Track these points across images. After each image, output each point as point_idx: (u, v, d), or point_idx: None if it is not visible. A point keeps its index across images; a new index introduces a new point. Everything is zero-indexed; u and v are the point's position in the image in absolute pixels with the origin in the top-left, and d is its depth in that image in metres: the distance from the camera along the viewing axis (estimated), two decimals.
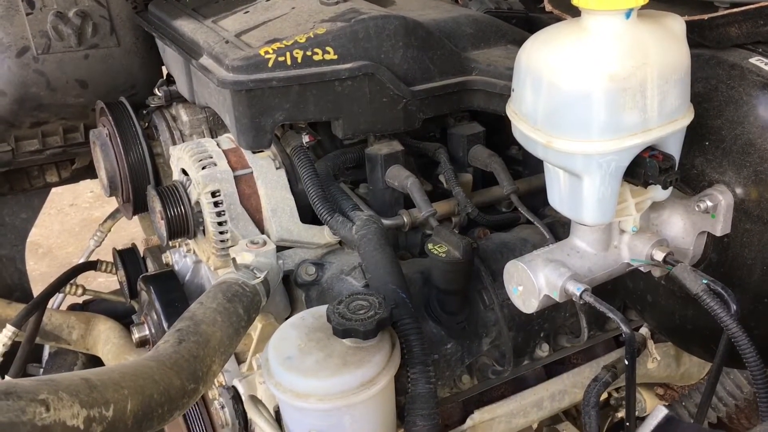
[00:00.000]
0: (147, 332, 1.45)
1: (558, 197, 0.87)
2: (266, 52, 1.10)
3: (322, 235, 1.25)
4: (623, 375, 1.06)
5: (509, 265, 0.91)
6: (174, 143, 1.47)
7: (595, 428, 1.03)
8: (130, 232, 4.34)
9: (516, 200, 1.27)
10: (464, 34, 1.26)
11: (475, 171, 1.37)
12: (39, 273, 4.17)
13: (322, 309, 1.03)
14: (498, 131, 1.45)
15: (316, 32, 1.12)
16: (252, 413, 1.03)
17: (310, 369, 0.92)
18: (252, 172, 1.23)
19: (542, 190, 1.41)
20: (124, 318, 2.02)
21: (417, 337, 1.02)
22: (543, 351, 1.30)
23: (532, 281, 0.86)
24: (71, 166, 1.88)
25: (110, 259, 2.01)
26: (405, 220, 1.25)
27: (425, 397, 1.01)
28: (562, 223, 1.31)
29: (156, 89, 1.46)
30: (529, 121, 0.84)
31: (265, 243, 1.14)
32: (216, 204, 1.20)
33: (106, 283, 3.58)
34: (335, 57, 1.13)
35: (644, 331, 1.22)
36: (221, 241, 1.21)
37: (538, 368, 1.36)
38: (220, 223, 1.20)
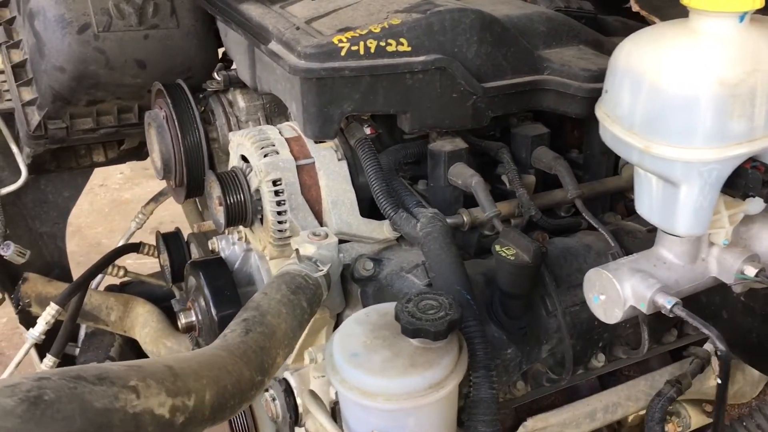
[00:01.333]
0: (194, 318, 1.43)
1: (648, 205, 0.84)
2: (339, 41, 1.07)
3: (381, 230, 1.22)
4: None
5: (591, 273, 0.88)
6: (230, 129, 1.46)
7: None
8: (158, 216, 4.36)
9: (580, 205, 1.24)
10: (537, 32, 1.23)
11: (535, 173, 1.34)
12: (69, 251, 4.20)
13: (388, 306, 1.00)
14: (558, 134, 1.42)
15: (391, 22, 1.09)
16: (312, 408, 1.01)
17: (378, 368, 0.90)
18: (314, 163, 1.21)
19: (603, 196, 1.40)
20: (161, 301, 2.01)
21: (481, 340, 1.00)
22: (599, 361, 1.27)
23: (618, 291, 0.83)
24: (118, 146, 1.87)
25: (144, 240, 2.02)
26: (465, 219, 1.22)
27: (488, 402, 0.99)
28: (626, 231, 1.27)
29: (215, 73, 1.44)
30: (624, 124, 0.81)
31: (327, 235, 1.12)
32: (277, 193, 1.17)
33: (134, 265, 3.58)
34: (409, 49, 1.10)
35: (709, 347, 1.18)
36: (279, 230, 1.19)
37: (591, 378, 1.33)
38: (279, 213, 1.18)
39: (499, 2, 1.30)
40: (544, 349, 1.17)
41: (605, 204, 1.41)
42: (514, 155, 1.31)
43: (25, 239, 1.96)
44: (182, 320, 1.44)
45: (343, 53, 1.07)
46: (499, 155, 1.30)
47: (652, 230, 1.02)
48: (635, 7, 1.14)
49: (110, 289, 2.09)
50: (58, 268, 2.06)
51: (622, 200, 1.44)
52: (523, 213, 1.24)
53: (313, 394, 1.05)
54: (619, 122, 0.81)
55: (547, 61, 1.20)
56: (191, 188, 1.44)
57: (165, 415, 0.61)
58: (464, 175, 1.21)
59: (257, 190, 1.20)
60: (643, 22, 1.48)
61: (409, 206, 1.16)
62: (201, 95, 1.47)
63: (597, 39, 1.32)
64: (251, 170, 1.22)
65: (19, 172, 1.69)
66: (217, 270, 1.43)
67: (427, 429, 0.93)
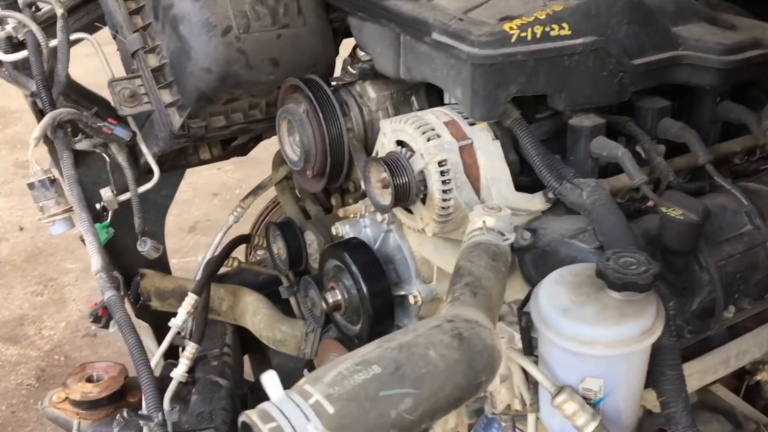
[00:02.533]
0: (339, 297, 1.53)
1: None
2: (510, 28, 1.17)
3: (534, 202, 1.33)
4: None
5: None
6: (363, 119, 1.55)
7: None
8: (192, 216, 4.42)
9: (712, 169, 1.35)
10: (667, 12, 1.33)
11: None
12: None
13: (578, 267, 1.11)
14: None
15: (554, 9, 1.19)
16: (522, 362, 1.10)
17: (594, 319, 1.00)
18: (472, 143, 1.30)
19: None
20: (263, 288, 2.10)
21: (660, 294, 1.10)
22: (729, 312, 1.38)
23: None
24: (221, 144, 1.96)
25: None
26: (605, 187, 1.33)
27: (670, 349, 1.09)
28: (749, 191, 1.38)
29: (348, 66, 1.52)
30: None
31: (500, 209, 1.22)
32: (442, 173, 1.27)
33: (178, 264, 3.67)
34: (569, 32, 1.20)
35: None
36: (444, 208, 1.29)
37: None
38: (445, 191, 1.28)
39: None
40: (695, 301, 1.28)
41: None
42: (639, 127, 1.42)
43: (131, 238, 2.04)
44: (330, 299, 1.54)
45: (513, 40, 1.17)
46: (627, 128, 1.40)
47: None
48: None
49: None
50: (159, 265, 2.14)
51: (726, 165, 1.56)
52: (661, 179, 1.34)
53: (513, 350, 1.15)
54: None
55: (680, 37, 1.31)
56: (332, 176, 1.53)
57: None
58: (609, 147, 1.31)
59: (421, 172, 1.29)
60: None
61: (568, 177, 1.27)
62: (331, 88, 1.55)
63: (711, 15, 1.42)
64: (411, 154, 1.31)
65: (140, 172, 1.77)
66: (362, 250, 1.52)
67: (634, 373, 1.04)
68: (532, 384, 1.17)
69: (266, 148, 2.07)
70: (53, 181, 1.40)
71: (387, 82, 1.55)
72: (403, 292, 1.51)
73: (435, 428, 1.71)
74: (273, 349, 2.20)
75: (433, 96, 1.59)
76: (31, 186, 1.40)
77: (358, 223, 1.61)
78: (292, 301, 2.08)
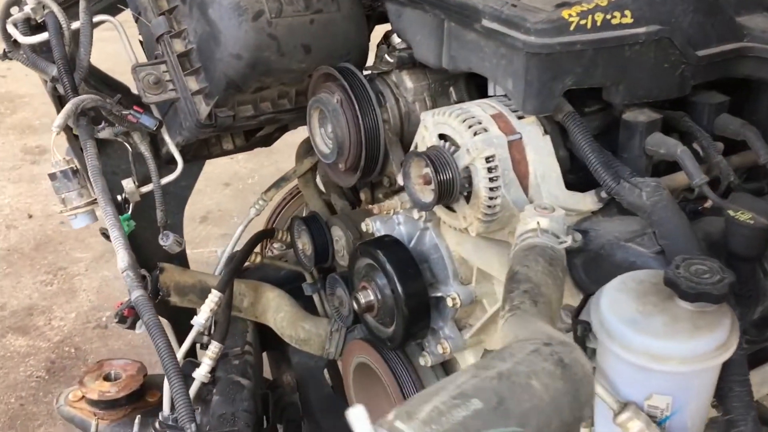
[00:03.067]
0: (372, 298, 1.46)
1: None
2: (569, 15, 1.09)
3: (585, 202, 1.25)
4: None
5: None
6: (399, 111, 1.47)
7: None
8: (204, 206, 4.35)
9: None
10: (731, 1, 1.25)
11: None
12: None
13: (641, 274, 1.03)
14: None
15: None
16: None
17: (664, 332, 0.92)
18: (521, 138, 1.22)
19: None
20: (284, 285, 2.03)
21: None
22: None
23: None
24: (245, 135, 1.88)
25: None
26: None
27: (739, 363, 1.02)
28: None
29: (385, 55, 1.44)
30: None
31: (554, 209, 1.14)
32: (490, 170, 1.19)
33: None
34: (631, 20, 1.12)
35: None
36: (490, 207, 1.21)
37: None
38: (492, 189, 1.20)
39: None
40: (757, 311, 1.21)
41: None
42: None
43: (150, 231, 1.96)
44: (362, 300, 1.46)
45: (572, 27, 1.09)
46: (682, 124, 1.32)
47: None
48: None
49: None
50: (178, 259, 2.06)
51: None
52: (721, 179, 1.26)
53: None
54: None
55: (745, 28, 1.22)
56: (366, 170, 1.45)
57: None
58: (667, 144, 1.23)
59: (466, 168, 1.22)
60: None
61: (625, 176, 1.19)
62: (366, 77, 1.47)
63: None
64: (455, 149, 1.23)
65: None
66: (397, 248, 1.45)
67: (704, 389, 0.96)
68: None
69: (282, 138, 1.99)
70: (76, 172, 1.33)
71: (425, 71, 1.48)
72: (439, 294, 1.43)
73: None
74: (294, 347, 2.14)
75: (472, 87, 1.52)
76: (52, 176, 1.33)
77: (391, 219, 1.54)
78: (316, 298, 2.01)
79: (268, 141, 1.90)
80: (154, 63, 1.47)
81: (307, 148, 1.97)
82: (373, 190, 1.71)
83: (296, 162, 1.99)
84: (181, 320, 1.96)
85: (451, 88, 1.51)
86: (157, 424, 1.03)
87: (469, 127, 1.21)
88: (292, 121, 1.69)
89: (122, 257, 1.17)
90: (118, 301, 1.49)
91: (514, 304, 0.92)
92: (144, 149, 1.50)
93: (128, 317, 1.47)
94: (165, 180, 1.54)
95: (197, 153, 1.82)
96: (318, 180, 2.02)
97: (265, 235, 1.98)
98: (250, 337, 1.94)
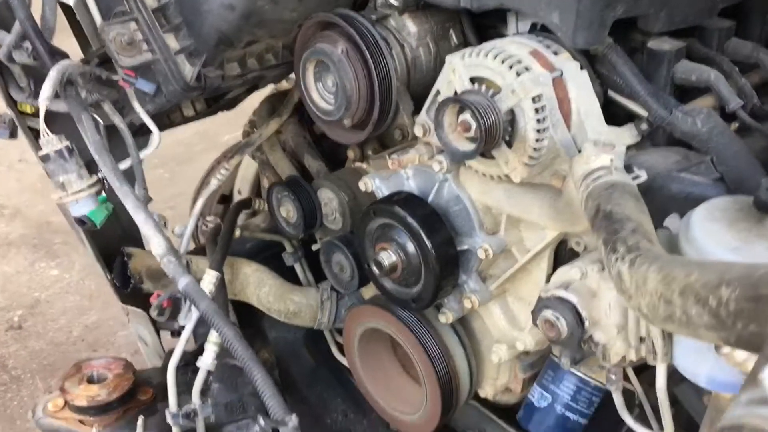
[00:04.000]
0: (395, 258, 1.37)
1: None
2: None
3: (625, 136, 1.22)
4: None
5: None
6: (405, 58, 1.37)
7: None
8: None
9: None
10: None
11: None
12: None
13: (722, 201, 1.02)
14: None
15: None
16: None
17: None
18: (562, 75, 1.17)
19: None
20: (255, 256, 1.91)
21: None
22: None
23: None
24: (205, 100, 1.72)
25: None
26: None
27: None
28: None
29: None
30: None
31: (614, 145, 1.10)
32: (537, 110, 1.13)
33: None
34: None
35: None
36: (536, 150, 1.16)
37: None
38: (540, 131, 1.14)
39: None
40: None
41: None
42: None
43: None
44: (385, 262, 1.38)
45: None
46: (699, 51, 1.31)
47: None
48: None
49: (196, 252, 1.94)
50: (133, 242, 1.88)
51: None
52: (746, 101, 1.27)
53: None
54: None
55: None
56: (379, 123, 1.35)
57: None
58: (699, 71, 1.22)
59: (509, 111, 1.15)
60: None
61: (671, 106, 1.16)
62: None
63: None
64: (494, 91, 1.16)
65: None
66: (417, 203, 1.37)
67: None
68: (667, 332, 1.08)
69: None
70: (71, 151, 1.14)
71: (426, 14, 1.38)
72: (466, 246, 1.37)
73: (485, 386, 1.62)
74: (269, 322, 2.02)
75: (472, 28, 1.44)
76: (45, 158, 1.13)
77: (397, 175, 1.45)
78: (298, 267, 1.89)
79: (232, 104, 1.74)
80: (123, 20, 1.28)
81: (270, 109, 1.83)
82: (362, 147, 1.60)
83: (258, 124, 1.85)
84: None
85: (451, 30, 1.43)
86: (261, 421, 0.91)
87: (511, 67, 1.14)
88: (276, 78, 1.55)
89: (158, 243, 1.01)
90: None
91: (630, 244, 0.87)
92: (118, 121, 1.32)
93: (167, 308, 1.30)
94: (143, 153, 1.36)
95: (156, 122, 1.64)
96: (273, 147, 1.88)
97: (242, 207, 1.83)
98: (233, 317, 1.80)
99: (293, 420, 0.90)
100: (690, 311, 0.69)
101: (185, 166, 4.38)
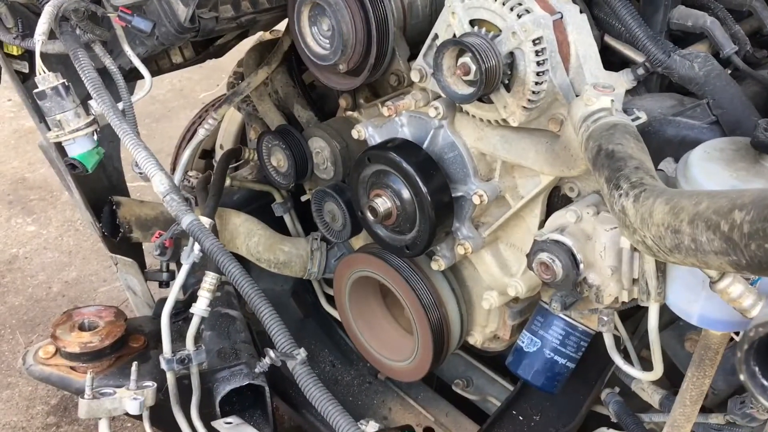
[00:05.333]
0: (390, 204, 1.38)
1: None
2: None
3: (621, 81, 1.23)
4: None
5: None
6: (402, 1, 1.36)
7: None
8: None
9: None
10: None
11: None
12: None
13: (719, 142, 1.04)
14: None
15: None
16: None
17: None
18: (562, 17, 1.17)
19: None
20: (243, 207, 1.90)
21: None
22: None
23: None
24: (193, 46, 1.69)
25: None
26: None
27: None
28: None
29: None
30: None
31: (613, 88, 1.10)
32: (537, 53, 1.14)
33: None
34: None
35: None
36: (534, 93, 1.16)
37: None
38: (539, 74, 1.15)
39: None
40: None
41: None
42: None
43: None
44: (380, 208, 1.38)
45: None
46: None
47: None
48: None
49: None
50: (118, 191, 1.86)
51: None
52: (740, 47, 1.29)
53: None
54: None
55: None
56: (375, 68, 1.34)
57: None
58: (695, 16, 1.23)
59: (509, 54, 1.15)
60: None
61: (669, 50, 1.17)
62: None
63: None
64: (494, 34, 1.16)
65: None
66: (412, 149, 1.37)
67: None
68: (661, 272, 1.11)
69: None
70: (68, 88, 1.12)
71: None
72: (460, 193, 1.38)
73: (474, 333, 1.64)
74: (255, 273, 2.02)
75: None
76: (41, 95, 1.10)
77: (391, 122, 1.45)
78: (287, 218, 1.89)
79: (221, 51, 1.72)
80: None
81: (258, 58, 1.81)
82: (354, 95, 1.59)
83: (246, 73, 1.83)
84: None
85: None
86: (272, 353, 0.91)
87: (512, 9, 1.14)
88: (268, 23, 1.52)
89: (160, 180, 1.00)
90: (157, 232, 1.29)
91: (633, 181, 0.89)
92: (109, 63, 1.29)
93: (169, 248, 1.29)
94: (135, 98, 1.34)
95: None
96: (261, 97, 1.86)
97: (232, 156, 1.82)
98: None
99: (302, 353, 0.91)
100: (700, 238, 0.70)
101: (162, 123, 4.32)
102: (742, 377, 0.48)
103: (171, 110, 4.50)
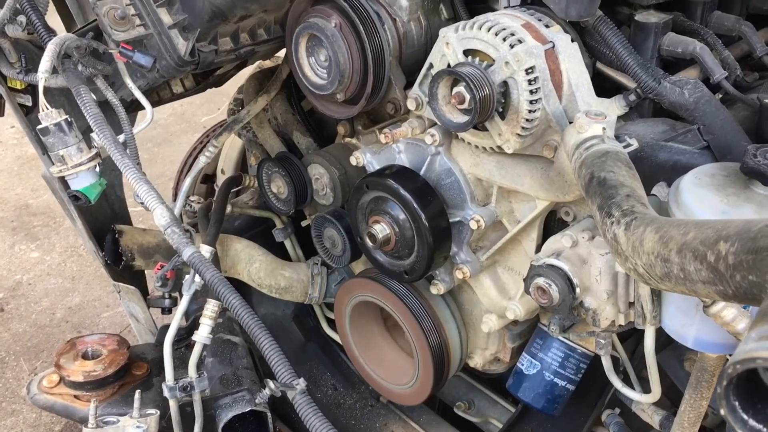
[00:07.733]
0: (388, 231, 1.40)
1: None
2: None
3: (613, 107, 1.25)
4: None
5: None
6: (397, 32, 1.39)
7: None
8: None
9: None
10: None
11: None
12: None
13: (709, 168, 1.06)
14: None
15: None
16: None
17: None
18: (553, 46, 1.19)
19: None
20: (243, 233, 1.92)
21: None
22: None
23: None
24: (192, 75, 1.72)
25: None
26: None
27: None
28: None
29: None
30: None
31: (605, 115, 1.13)
32: (530, 82, 1.16)
33: None
34: None
35: None
36: (528, 120, 1.18)
37: None
38: (532, 102, 1.17)
39: None
40: None
41: None
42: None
43: None
44: (379, 235, 1.40)
45: None
46: (680, 24, 1.34)
47: None
48: None
49: None
50: (121, 219, 1.88)
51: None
52: (730, 72, 1.31)
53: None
54: None
55: None
56: (372, 97, 1.37)
57: None
58: (684, 43, 1.25)
59: (502, 83, 1.17)
60: None
61: (659, 77, 1.19)
62: None
63: None
64: (487, 64, 1.18)
65: None
66: (410, 176, 1.39)
67: None
68: (656, 296, 1.12)
69: None
70: (71, 124, 1.14)
71: None
72: (457, 218, 1.40)
73: (474, 356, 1.65)
74: (257, 298, 2.03)
75: (461, 2, 1.45)
76: (44, 132, 1.13)
77: (388, 149, 1.47)
78: (288, 243, 1.91)
79: (221, 81, 1.74)
80: None
81: (257, 86, 1.84)
82: (352, 122, 1.62)
83: (246, 101, 1.85)
84: None
85: (441, 5, 1.44)
86: (271, 384, 0.92)
87: (504, 39, 1.16)
88: (267, 53, 1.55)
89: (162, 214, 1.02)
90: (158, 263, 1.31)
91: (624, 209, 0.90)
92: (111, 96, 1.32)
93: (170, 279, 1.31)
94: (136, 129, 1.36)
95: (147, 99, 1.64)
96: (261, 124, 1.89)
97: (235, 182, 1.84)
98: None
99: (301, 383, 0.92)
100: (688, 268, 0.72)
101: (164, 147, 4.36)
102: (722, 412, 0.50)
103: (172, 134, 4.53)
